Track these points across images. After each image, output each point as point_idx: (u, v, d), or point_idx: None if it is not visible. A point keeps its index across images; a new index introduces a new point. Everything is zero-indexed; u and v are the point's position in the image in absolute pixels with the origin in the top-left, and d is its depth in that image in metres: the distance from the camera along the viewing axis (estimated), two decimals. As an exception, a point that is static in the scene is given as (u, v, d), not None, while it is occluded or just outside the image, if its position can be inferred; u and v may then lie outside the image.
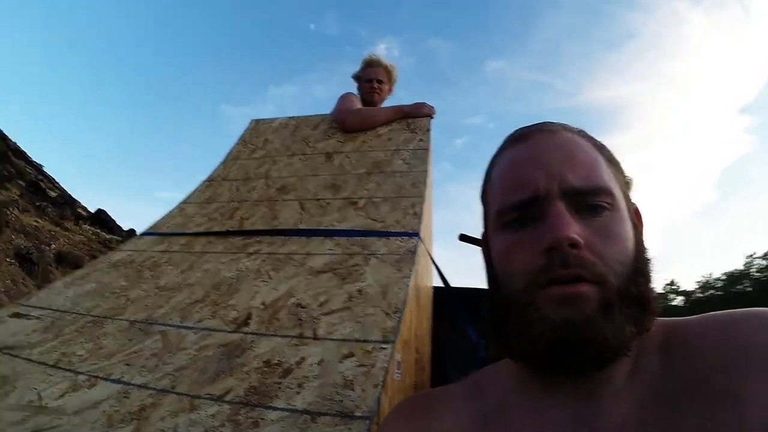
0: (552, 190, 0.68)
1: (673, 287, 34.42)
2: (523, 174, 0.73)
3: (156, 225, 2.25)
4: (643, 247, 0.72)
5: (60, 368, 1.27)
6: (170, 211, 2.36)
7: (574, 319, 0.61)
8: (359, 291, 1.41)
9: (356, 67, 3.29)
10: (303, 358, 1.16)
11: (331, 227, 1.88)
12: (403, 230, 1.76)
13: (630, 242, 0.68)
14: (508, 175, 0.76)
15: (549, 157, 0.72)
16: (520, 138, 0.80)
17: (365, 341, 1.19)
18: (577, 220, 0.66)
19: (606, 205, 0.68)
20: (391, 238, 1.72)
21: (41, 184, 17.45)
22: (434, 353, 2.16)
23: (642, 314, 0.65)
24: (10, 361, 1.33)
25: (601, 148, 0.78)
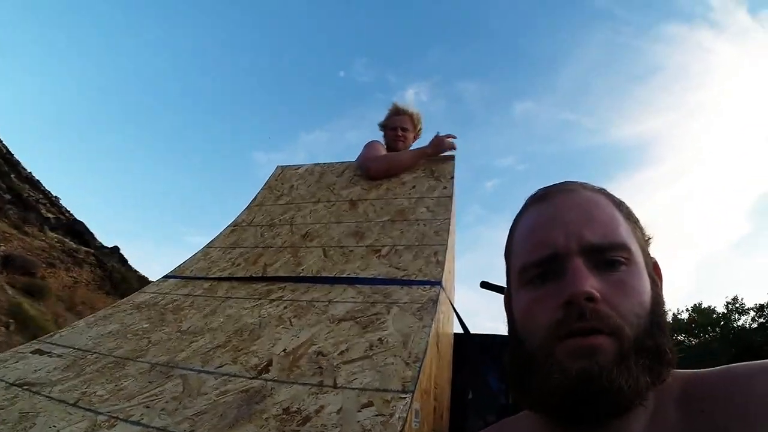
0: (571, 248, 0.70)
1: (737, 305, 32.92)
2: (544, 233, 0.75)
3: (180, 268, 2.27)
4: (661, 300, 0.73)
5: (80, 407, 1.28)
6: (194, 255, 2.39)
7: (590, 369, 0.62)
8: (380, 340, 1.40)
9: (385, 114, 3.35)
10: (322, 407, 1.15)
11: (353, 275, 1.88)
12: (425, 279, 1.76)
13: (646, 296, 0.69)
14: (529, 234, 0.79)
15: (568, 216, 0.74)
16: (541, 198, 0.82)
17: (385, 390, 1.18)
18: (594, 275, 0.68)
19: (623, 260, 0.70)
20: (413, 286, 1.72)
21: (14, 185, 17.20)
22: (454, 400, 2.14)
23: (658, 365, 0.66)
24: (31, 397, 1.35)
25: (620, 205, 0.80)
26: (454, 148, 2.90)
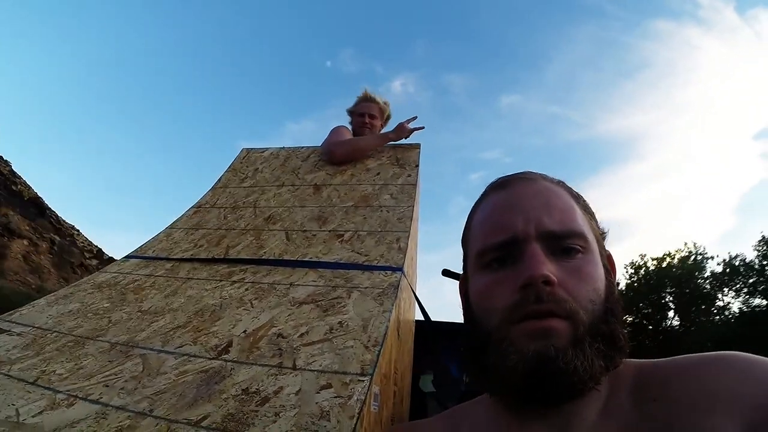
0: (529, 233, 0.73)
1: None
2: (503, 218, 0.78)
3: (142, 248, 2.26)
4: (615, 289, 0.76)
5: (39, 386, 1.27)
6: (156, 236, 2.37)
7: (546, 351, 0.65)
8: (340, 323, 1.42)
9: (355, 100, 3.37)
10: (281, 388, 1.17)
11: (315, 259, 1.90)
12: (387, 264, 1.78)
13: (601, 283, 0.73)
14: (488, 219, 0.81)
15: (527, 203, 0.78)
16: (501, 185, 0.86)
17: (344, 373, 1.20)
18: (551, 260, 0.71)
19: (579, 248, 0.74)
20: (374, 271, 1.74)
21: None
22: (414, 386, 2.17)
23: (611, 350, 0.69)
24: (-10, 376, 1.34)
25: (577, 198, 0.84)
26: (421, 128, 2.97)
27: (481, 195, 0.89)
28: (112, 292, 1.84)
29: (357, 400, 1.11)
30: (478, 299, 0.78)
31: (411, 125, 2.97)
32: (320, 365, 1.24)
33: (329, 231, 2.11)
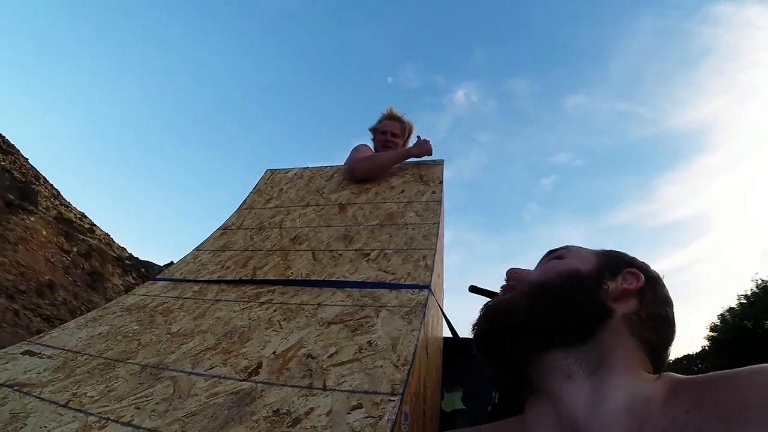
0: None
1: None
2: None
3: (170, 271, 2.28)
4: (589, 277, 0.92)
5: (71, 408, 1.28)
6: (184, 258, 2.39)
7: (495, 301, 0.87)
8: (369, 343, 1.42)
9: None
10: (312, 409, 1.16)
11: (342, 278, 1.90)
12: (414, 282, 1.78)
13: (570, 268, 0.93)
14: None
15: None
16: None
17: (374, 393, 1.19)
18: None
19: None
20: (402, 290, 1.73)
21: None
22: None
23: (565, 308, 0.84)
24: (21, 398, 1.35)
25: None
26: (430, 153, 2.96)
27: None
28: (141, 314, 1.86)
29: (388, 420, 1.10)
30: None
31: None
32: (350, 385, 1.23)
33: (355, 250, 2.11)
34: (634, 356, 0.79)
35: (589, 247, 1.00)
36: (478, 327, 0.90)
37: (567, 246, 0.99)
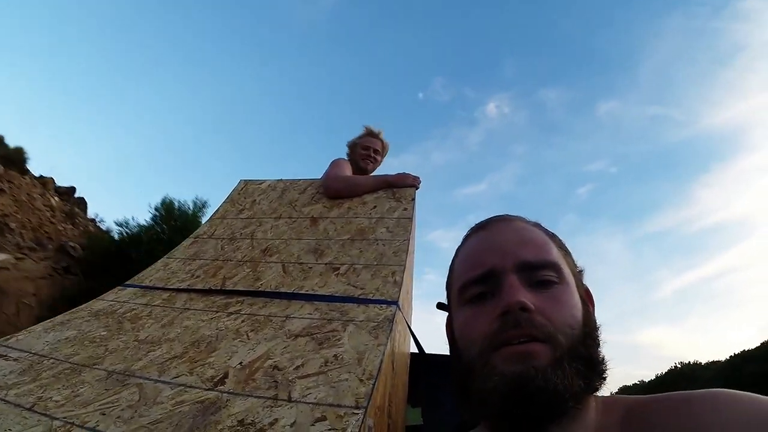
0: (506, 266, 0.77)
1: None
2: (481, 255, 0.83)
3: (139, 277, 2.27)
4: (593, 318, 0.80)
5: (36, 412, 1.28)
6: (154, 265, 2.39)
7: (526, 372, 0.67)
8: (335, 356, 1.44)
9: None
10: (276, 420, 1.18)
11: (311, 292, 1.92)
12: (382, 298, 1.80)
13: (578, 311, 0.76)
14: (469, 257, 0.86)
15: (504, 239, 0.83)
16: (480, 227, 0.91)
17: (338, 406, 1.22)
18: (529, 291, 0.74)
19: (555, 279, 0.77)
20: (370, 305, 1.76)
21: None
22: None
23: (590, 372, 0.72)
24: (-15, 401, 1.34)
25: (553, 236, 0.89)
26: (417, 187, 2.97)
27: (463, 239, 0.94)
28: (109, 320, 1.85)
29: (351, 432, 1.12)
30: (461, 332, 0.81)
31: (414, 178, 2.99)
32: (315, 398, 1.26)
33: (325, 264, 2.14)
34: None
35: (544, 235, 0.86)
36: (504, 400, 0.69)
37: (555, 263, 0.79)
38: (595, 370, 0.73)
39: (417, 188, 2.95)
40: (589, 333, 0.75)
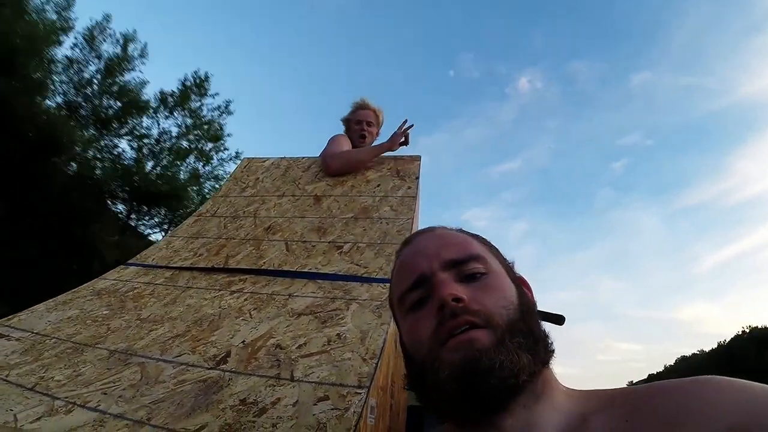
0: (434, 267, 0.81)
1: None
2: (410, 264, 0.87)
3: (142, 256, 2.26)
4: (528, 298, 0.84)
5: (37, 392, 1.28)
6: (157, 243, 2.38)
7: (471, 356, 0.69)
8: (338, 335, 1.43)
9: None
10: (278, 399, 1.18)
11: (314, 270, 1.91)
12: (385, 276, 1.79)
13: (511, 293, 0.80)
14: (400, 270, 0.90)
15: (428, 245, 0.88)
16: (406, 243, 0.96)
17: (341, 385, 1.21)
18: (459, 285, 0.78)
19: (481, 269, 0.81)
20: (373, 284, 1.75)
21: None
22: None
23: (534, 345, 0.74)
24: (-12, 380, 1.34)
25: (475, 236, 0.93)
26: (407, 142, 3.02)
27: (395, 258, 0.97)
28: (112, 299, 1.85)
29: (354, 412, 1.11)
30: (409, 338, 0.83)
31: (402, 129, 3.02)
32: (318, 377, 1.25)
33: (329, 242, 2.12)
34: (552, 374, 0.79)
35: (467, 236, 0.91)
36: (456, 386, 0.70)
37: (478, 254, 0.83)
38: (539, 342, 0.75)
39: (407, 143, 3.02)
40: (526, 310, 0.78)
